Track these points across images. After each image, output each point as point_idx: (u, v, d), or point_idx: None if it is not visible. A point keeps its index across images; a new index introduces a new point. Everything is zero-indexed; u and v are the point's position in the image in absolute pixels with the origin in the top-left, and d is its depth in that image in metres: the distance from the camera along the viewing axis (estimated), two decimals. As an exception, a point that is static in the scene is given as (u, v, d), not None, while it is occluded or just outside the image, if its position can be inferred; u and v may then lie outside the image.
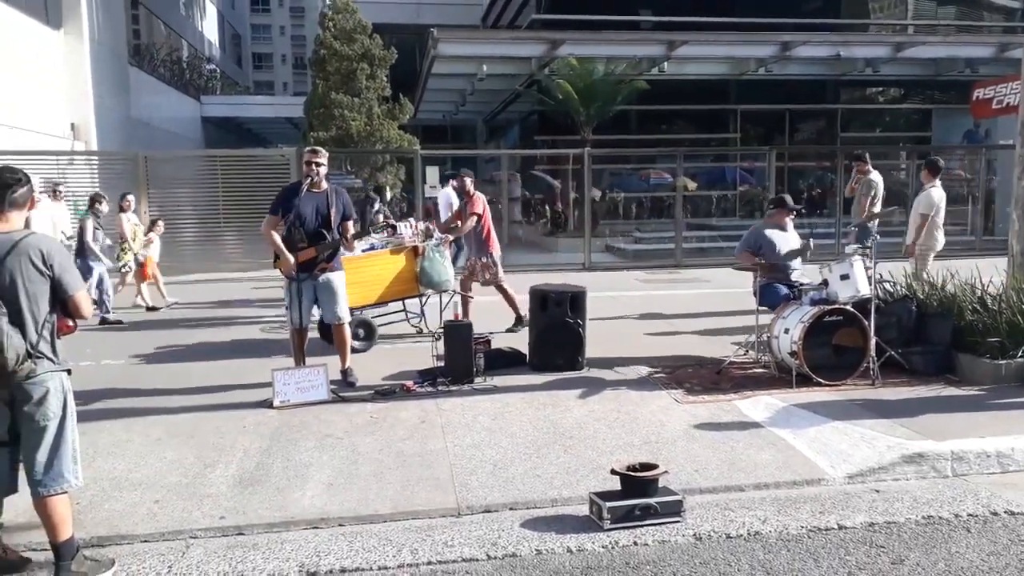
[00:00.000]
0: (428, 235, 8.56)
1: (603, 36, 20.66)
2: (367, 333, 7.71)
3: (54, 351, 3.26)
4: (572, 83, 19.41)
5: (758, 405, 5.59)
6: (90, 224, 9.76)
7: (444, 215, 11.64)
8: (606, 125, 20.77)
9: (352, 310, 7.07)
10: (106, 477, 4.41)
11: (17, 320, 3.11)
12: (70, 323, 3.35)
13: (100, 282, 9.66)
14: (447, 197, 11.28)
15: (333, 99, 19.56)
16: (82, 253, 9.51)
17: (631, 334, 8.46)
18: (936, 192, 8.36)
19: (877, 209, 9.48)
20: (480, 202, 8.59)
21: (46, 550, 3.41)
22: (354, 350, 6.93)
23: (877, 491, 4.23)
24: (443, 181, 11.34)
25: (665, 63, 20.78)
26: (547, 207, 22.10)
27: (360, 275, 7.61)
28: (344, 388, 6.15)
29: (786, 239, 6.94)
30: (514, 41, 21.89)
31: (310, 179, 6.05)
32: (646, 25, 24.82)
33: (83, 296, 3.31)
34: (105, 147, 20.94)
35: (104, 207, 10.24)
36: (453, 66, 20.78)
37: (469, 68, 20.67)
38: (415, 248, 8.13)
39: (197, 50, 39.19)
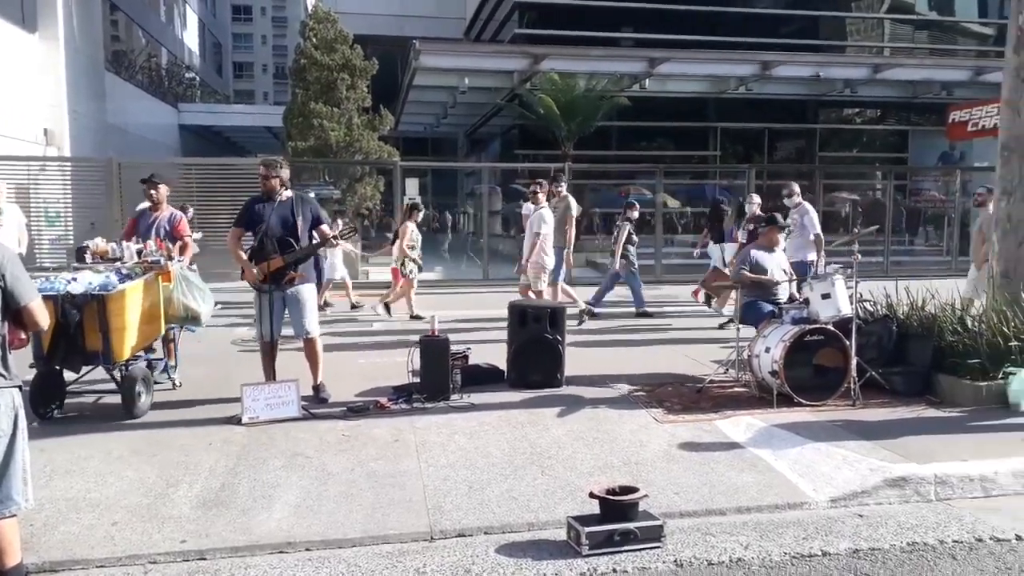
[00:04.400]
0: (169, 256, 6.62)
1: (585, 52, 20.70)
2: (148, 386, 5.94)
3: (5, 365, 3.08)
4: (553, 98, 19.39)
5: (739, 425, 5.50)
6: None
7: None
8: (587, 140, 20.78)
9: (124, 364, 5.81)
10: (62, 497, 4.21)
11: None
12: (23, 335, 3.18)
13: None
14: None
15: (312, 109, 19.40)
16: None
17: (610, 351, 8.37)
18: (547, 212, 9.06)
19: (572, 235, 9.68)
20: (185, 224, 7.24)
21: (-7, 576, 3.22)
22: (133, 415, 5.67)
23: (861, 516, 4.14)
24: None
25: (647, 80, 20.86)
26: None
27: (131, 315, 5.76)
28: (316, 404, 5.98)
29: (774, 260, 6.90)
30: (496, 55, 21.88)
31: (266, 192, 5.97)
32: (628, 42, 24.96)
33: (37, 306, 3.14)
34: (79, 153, 20.57)
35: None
36: (435, 78, 20.72)
37: (451, 81, 20.61)
38: (167, 274, 6.32)
39: (177, 58, 38.83)
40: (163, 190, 7.09)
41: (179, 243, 6.96)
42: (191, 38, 43.31)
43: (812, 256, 9.18)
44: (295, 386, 5.72)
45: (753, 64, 21.05)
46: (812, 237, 9.16)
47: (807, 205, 9.45)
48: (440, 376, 6.15)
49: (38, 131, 20.18)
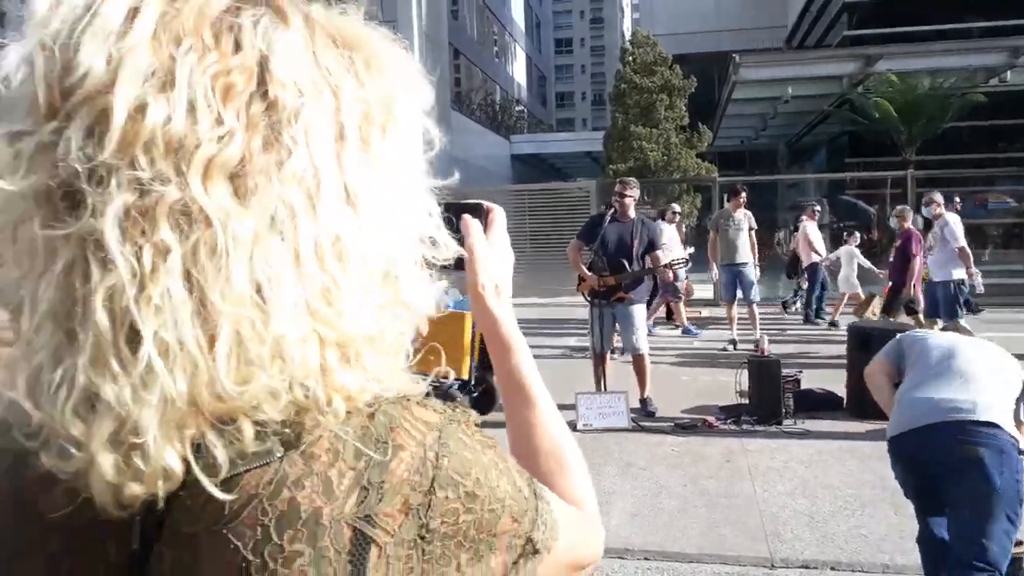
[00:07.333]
0: None
1: (927, 48, 18.65)
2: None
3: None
4: (890, 100, 17.72)
5: None
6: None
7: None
8: (931, 144, 18.61)
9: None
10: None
11: None
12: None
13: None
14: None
15: (631, 131, 19.96)
16: None
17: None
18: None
19: None
20: None
21: None
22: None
23: None
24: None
25: (1007, 72, 18.13)
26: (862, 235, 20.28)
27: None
28: (643, 417, 6.10)
29: None
30: (823, 60, 20.64)
31: (614, 209, 6.19)
32: (978, 32, 21.94)
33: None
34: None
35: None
36: (754, 91, 20.13)
37: (772, 92, 19.89)
38: None
39: (508, 93, 42.50)
40: None
41: None
42: (519, 73, 47.15)
43: (959, 274, 7.68)
44: (624, 398, 5.90)
45: None
46: (956, 250, 7.68)
47: (948, 216, 7.89)
48: (772, 399, 5.92)
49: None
